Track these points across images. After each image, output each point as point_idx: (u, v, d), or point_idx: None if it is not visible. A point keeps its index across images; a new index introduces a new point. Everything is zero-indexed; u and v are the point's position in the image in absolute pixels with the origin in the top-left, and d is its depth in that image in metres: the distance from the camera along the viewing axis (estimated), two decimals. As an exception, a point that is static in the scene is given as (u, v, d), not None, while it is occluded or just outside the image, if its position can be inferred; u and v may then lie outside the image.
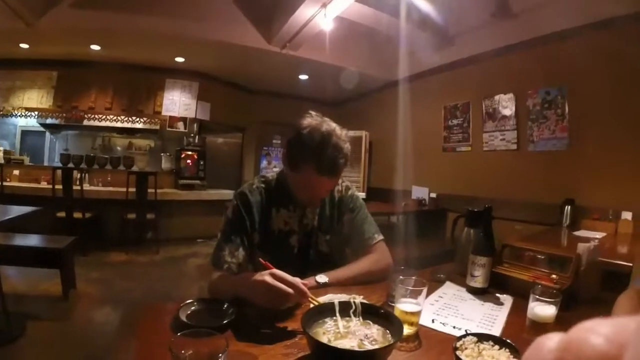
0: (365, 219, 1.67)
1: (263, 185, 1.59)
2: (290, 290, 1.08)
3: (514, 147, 4.78)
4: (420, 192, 5.79)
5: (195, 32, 5.18)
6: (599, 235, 3.29)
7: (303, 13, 4.48)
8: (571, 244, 2.82)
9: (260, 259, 1.22)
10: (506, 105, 4.85)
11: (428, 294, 1.43)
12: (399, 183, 6.13)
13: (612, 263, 2.10)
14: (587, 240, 2.26)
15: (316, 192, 1.50)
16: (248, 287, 1.17)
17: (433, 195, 5.67)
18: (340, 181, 1.68)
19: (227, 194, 6.48)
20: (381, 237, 1.65)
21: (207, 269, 1.54)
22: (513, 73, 4.77)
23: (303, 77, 6.98)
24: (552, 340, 0.18)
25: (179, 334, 0.77)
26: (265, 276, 1.11)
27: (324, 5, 4.26)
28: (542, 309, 1.09)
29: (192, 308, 1.15)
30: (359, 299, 1.06)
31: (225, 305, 1.16)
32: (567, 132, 4.24)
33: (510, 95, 4.80)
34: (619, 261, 2.12)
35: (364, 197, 4.73)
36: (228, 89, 7.49)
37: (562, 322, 1.16)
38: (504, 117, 4.89)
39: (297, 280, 1.11)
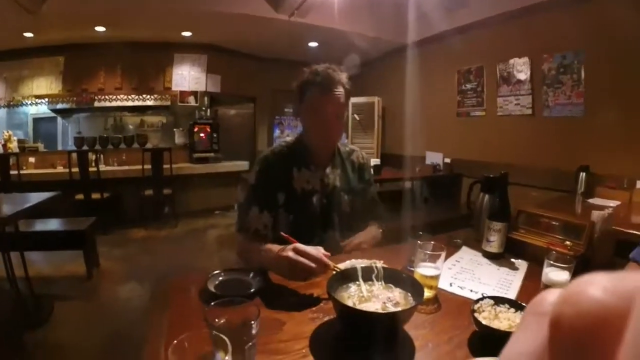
0: (377, 198, 1.84)
1: (284, 148, 1.66)
2: (312, 264, 1.12)
3: (529, 112, 4.70)
4: (434, 158, 5.78)
5: (200, 4, 5.09)
6: (613, 203, 3.25)
7: None
8: (585, 211, 2.81)
9: (282, 234, 1.24)
10: (521, 69, 4.75)
11: (445, 259, 1.47)
12: (413, 149, 6.11)
13: (625, 232, 2.11)
14: (601, 208, 2.27)
15: (325, 120, 1.54)
16: (273, 263, 1.22)
17: (447, 160, 5.66)
18: (361, 151, 1.83)
19: (242, 165, 6.56)
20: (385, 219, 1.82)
21: (233, 237, 1.59)
22: (528, 36, 4.64)
23: (313, 44, 6.86)
24: (552, 294, 0.18)
25: (212, 303, 0.79)
26: (289, 252, 1.14)
27: None
28: (556, 275, 1.12)
29: (220, 278, 1.19)
30: (379, 264, 1.09)
31: (252, 275, 1.21)
32: (583, 98, 4.15)
33: (525, 59, 4.68)
34: (632, 230, 2.13)
35: (378, 163, 4.73)
36: (237, 60, 7.39)
37: None
38: (519, 81, 4.78)
39: (319, 253, 1.14)
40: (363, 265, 1.06)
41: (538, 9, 4.41)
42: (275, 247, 1.24)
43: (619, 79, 3.82)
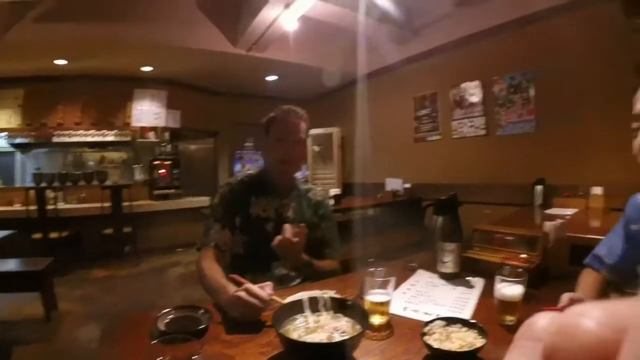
0: (336, 233, 1.93)
1: (246, 177, 1.84)
2: (261, 305, 1.16)
3: (483, 132, 4.90)
4: (394, 184, 5.85)
5: (160, 39, 5.12)
6: (570, 211, 3.39)
7: (266, 14, 4.47)
8: (542, 222, 2.91)
9: (232, 275, 1.34)
10: (473, 92, 4.96)
11: (400, 283, 1.48)
12: (373, 176, 6.21)
13: (581, 238, 2.16)
14: (558, 217, 2.34)
15: (287, 152, 1.71)
16: (225, 301, 1.24)
17: (407, 185, 5.75)
18: (318, 190, 1.99)
19: (204, 200, 6.39)
20: (341, 252, 1.93)
21: (195, 275, 1.60)
22: (478, 61, 4.88)
23: (271, 77, 6.97)
24: (544, 319, 0.18)
25: (154, 341, 0.79)
26: (241, 292, 1.18)
27: (287, 6, 4.27)
28: (509, 289, 1.12)
29: (170, 316, 1.18)
30: (330, 294, 1.09)
31: (202, 312, 1.20)
32: (533, 114, 4.37)
33: (477, 83, 4.90)
34: (587, 235, 2.18)
35: (339, 192, 4.76)
36: (197, 94, 7.41)
37: (532, 300, 1.22)
38: (472, 104, 4.99)
39: (267, 294, 1.18)
40: (310, 296, 1.05)
41: (486, 34, 4.66)
42: (230, 288, 1.27)
43: (567, 93, 4.04)
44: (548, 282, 1.46)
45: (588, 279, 1.29)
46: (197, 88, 7.33)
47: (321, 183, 6.33)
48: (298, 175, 1.92)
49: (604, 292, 1.24)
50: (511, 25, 4.43)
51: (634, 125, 0.95)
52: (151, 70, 6.37)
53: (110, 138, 6.60)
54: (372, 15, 4.72)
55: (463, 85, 5.09)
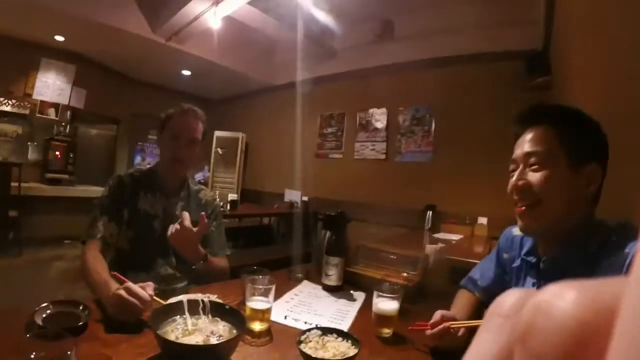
0: (223, 233, 1.93)
1: (137, 172, 1.81)
2: (141, 305, 1.13)
3: (383, 157, 5.24)
4: (292, 195, 5.94)
5: (76, 8, 4.61)
6: (456, 237, 3.72)
7: (193, 7, 4.38)
8: (427, 245, 3.13)
9: (114, 273, 1.30)
10: (379, 118, 5.28)
11: (285, 292, 1.53)
12: (273, 186, 6.34)
13: (460, 260, 2.35)
14: (443, 241, 2.54)
15: (179, 149, 1.71)
16: (106, 298, 1.20)
17: (305, 198, 5.84)
18: (210, 190, 2.04)
19: (98, 191, 5.92)
20: (228, 252, 1.92)
21: (79, 250, 1.56)
22: (388, 90, 5.20)
23: (186, 72, 6.76)
24: (511, 296, 0.19)
25: (28, 335, 0.76)
26: (121, 290, 1.14)
27: (216, 3, 4.22)
28: (385, 304, 1.21)
29: (48, 311, 1.12)
30: (212, 298, 1.11)
31: (82, 307, 1.15)
32: (432, 146, 4.74)
33: (384, 110, 5.24)
34: (467, 259, 2.37)
35: (235, 198, 4.75)
36: (107, 76, 6.86)
37: (409, 314, 1.32)
38: (376, 129, 5.33)
39: (147, 294, 1.16)
40: (192, 298, 1.06)
41: (400, 67, 4.99)
42: (112, 285, 1.23)
43: (463, 131, 4.45)
44: (427, 299, 1.59)
45: (463, 298, 1.40)
46: (108, 69, 6.78)
47: (220, 187, 6.23)
48: (199, 176, 1.92)
49: (477, 311, 1.34)
50: (424, 63, 4.81)
51: (511, 167, 1.08)
52: (62, 41, 5.76)
53: (6, 108, 5.82)
54: (298, 29, 4.81)
55: (370, 110, 5.42)
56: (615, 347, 0.13)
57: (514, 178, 1.04)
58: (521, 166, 1.03)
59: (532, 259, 1.12)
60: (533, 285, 1.11)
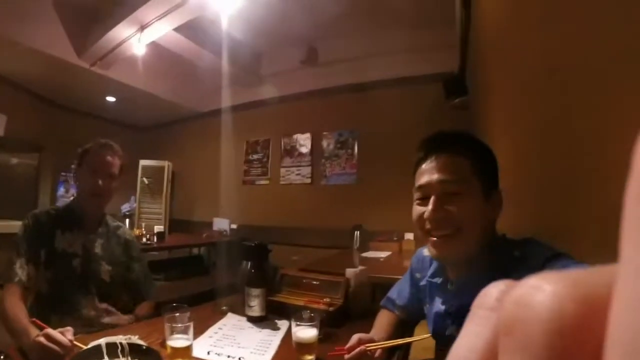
0: (148, 271, 1.94)
1: (53, 210, 1.78)
2: (61, 351, 1.13)
3: (309, 181, 5.38)
4: (221, 224, 5.85)
5: (4, 29, 4.28)
6: (384, 254, 3.79)
7: (118, 32, 4.28)
8: (354, 265, 3.18)
9: (33, 319, 1.27)
10: (303, 143, 5.42)
11: (210, 326, 1.53)
12: (201, 214, 6.25)
13: (385, 278, 2.36)
14: (372, 260, 2.57)
15: (96, 185, 1.68)
16: (26, 345, 1.21)
17: (234, 226, 5.79)
18: (128, 229, 2.02)
19: (16, 225, 5.46)
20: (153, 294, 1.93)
21: None
22: (312, 115, 5.37)
23: (111, 98, 6.49)
24: (495, 288, 0.18)
25: None
26: (41, 337, 1.14)
27: (141, 29, 4.15)
28: (304, 332, 1.24)
29: None
30: (133, 339, 1.10)
31: (3, 356, 1.15)
32: (356, 168, 4.93)
33: (308, 135, 5.39)
34: (392, 275, 2.36)
35: (162, 230, 4.62)
36: (29, 101, 6.24)
37: (332, 338, 1.37)
38: (301, 154, 5.45)
39: (67, 340, 1.15)
40: (111, 341, 1.06)
41: (323, 92, 5.17)
42: (32, 332, 1.22)
43: (385, 151, 4.66)
44: (351, 321, 1.63)
45: (383, 318, 1.45)
46: (31, 94, 6.27)
47: (147, 217, 6.02)
48: (125, 207, 1.90)
49: (399, 329, 1.39)
50: (347, 88, 5.04)
51: (418, 195, 1.06)
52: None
53: None
54: (223, 56, 4.83)
55: (295, 135, 5.55)
56: (615, 336, 0.13)
57: (430, 207, 0.98)
58: (434, 196, 0.99)
59: (438, 280, 1.15)
60: (442, 304, 1.12)
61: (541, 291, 0.15)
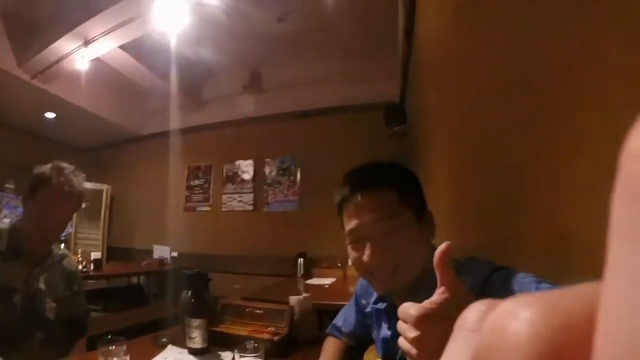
0: (87, 309, 1.85)
1: None
2: None
3: (251, 208, 5.35)
4: (161, 251, 5.60)
5: None
6: (329, 281, 3.80)
7: (62, 45, 4.10)
8: (298, 293, 3.17)
9: None
10: (246, 170, 5.41)
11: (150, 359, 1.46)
12: (142, 242, 5.98)
13: (330, 304, 2.43)
14: (317, 287, 2.55)
15: (52, 219, 1.54)
16: None
17: (175, 254, 5.58)
18: (72, 259, 1.85)
19: None
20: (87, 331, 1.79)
21: None
22: (254, 142, 5.39)
23: (50, 115, 6.13)
24: (474, 309, 0.18)
25: None
26: None
27: (85, 44, 4.01)
28: None
29: None
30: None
31: None
32: (297, 195, 4.98)
33: (250, 162, 5.39)
34: (335, 302, 2.46)
35: (99, 257, 4.39)
36: None
37: None
38: (243, 180, 5.44)
39: None
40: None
41: (264, 119, 5.22)
42: None
43: (327, 177, 4.66)
44: (297, 350, 1.61)
45: (330, 346, 1.43)
46: None
47: (83, 244, 5.68)
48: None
49: (346, 355, 1.38)
50: (290, 115, 5.13)
51: (350, 238, 1.01)
52: None
53: None
54: (171, 78, 4.76)
55: (237, 162, 5.53)
56: (609, 349, 0.12)
57: (368, 253, 0.94)
58: (370, 242, 0.94)
59: (382, 305, 1.13)
60: (388, 329, 1.11)
61: (516, 319, 0.14)
